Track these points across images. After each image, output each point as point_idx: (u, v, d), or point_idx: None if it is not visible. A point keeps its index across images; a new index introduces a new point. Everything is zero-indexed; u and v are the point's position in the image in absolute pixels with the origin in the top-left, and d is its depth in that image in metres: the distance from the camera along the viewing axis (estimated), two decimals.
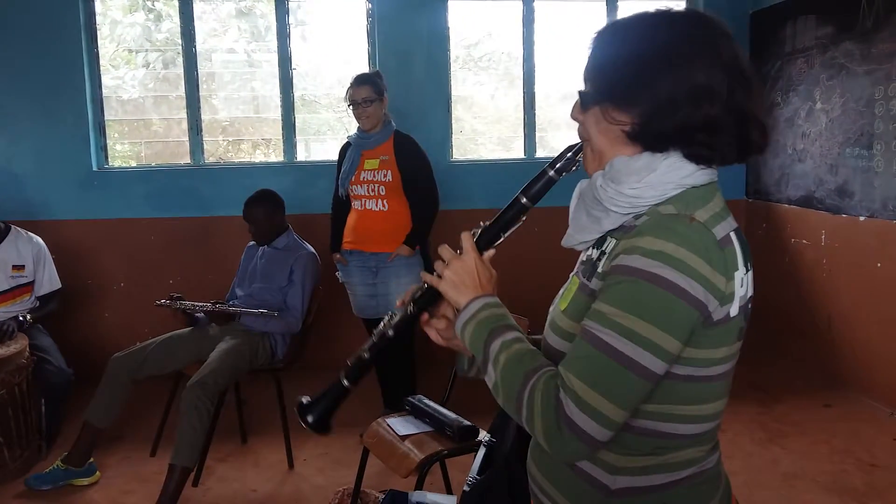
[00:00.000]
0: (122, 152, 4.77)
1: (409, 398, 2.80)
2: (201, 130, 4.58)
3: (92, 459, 3.22)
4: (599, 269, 1.09)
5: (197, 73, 4.52)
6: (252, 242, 3.60)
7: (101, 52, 4.50)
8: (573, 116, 1.16)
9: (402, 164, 3.52)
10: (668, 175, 1.06)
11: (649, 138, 1.07)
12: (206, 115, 4.60)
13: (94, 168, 4.45)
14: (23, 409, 3.21)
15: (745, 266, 1.07)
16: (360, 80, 3.51)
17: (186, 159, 4.61)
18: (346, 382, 1.29)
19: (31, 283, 3.61)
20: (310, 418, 1.29)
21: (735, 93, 1.05)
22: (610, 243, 1.11)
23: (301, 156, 4.72)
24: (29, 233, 3.66)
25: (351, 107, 3.54)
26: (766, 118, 1.11)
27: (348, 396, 1.29)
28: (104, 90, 4.52)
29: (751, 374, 4.27)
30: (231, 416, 3.62)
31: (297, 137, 4.69)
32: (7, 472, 3.17)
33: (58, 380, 3.39)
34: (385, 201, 3.53)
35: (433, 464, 2.47)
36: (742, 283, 1.06)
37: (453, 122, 4.78)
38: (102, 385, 3.19)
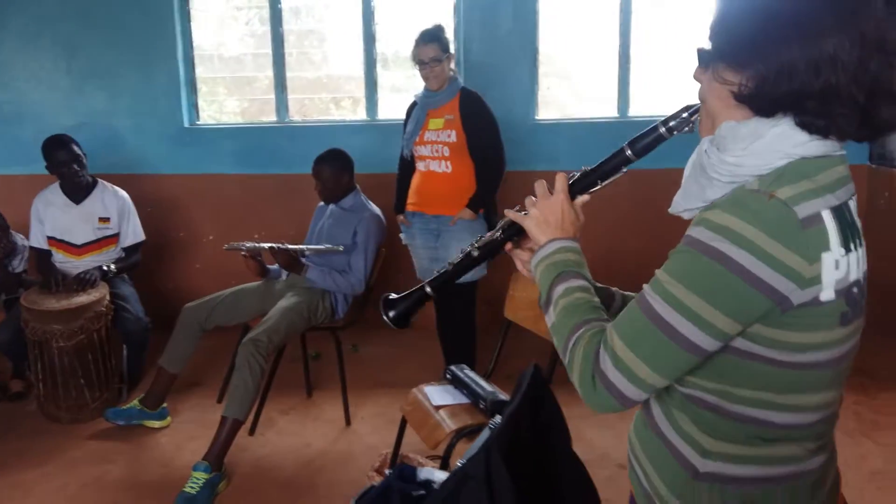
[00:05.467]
0: (213, 110, 4.92)
1: (451, 367, 2.74)
2: (286, 88, 4.62)
3: (165, 404, 3.41)
4: None
5: (282, 31, 4.56)
6: (322, 203, 3.62)
7: (192, 12, 4.60)
8: (695, 76, 1.11)
9: (466, 123, 3.39)
10: (776, 143, 0.99)
11: (758, 101, 1.00)
12: (290, 73, 4.64)
13: (186, 125, 4.62)
14: (102, 353, 3.43)
15: (845, 247, 0.98)
16: (425, 38, 3.38)
17: (273, 116, 4.69)
18: (428, 289, 1.38)
19: (116, 235, 3.81)
20: (391, 313, 1.39)
21: (868, 63, 0.96)
22: None
23: (384, 114, 4.66)
24: (115, 187, 3.85)
25: (418, 66, 3.43)
26: None
27: (428, 300, 1.40)
28: (200, 48, 4.65)
29: (857, 358, 3.85)
30: (300, 371, 3.72)
31: (380, 94, 4.64)
32: (88, 412, 3.42)
33: (135, 327, 3.58)
34: (448, 162, 3.42)
35: (462, 437, 2.41)
36: (837, 265, 0.97)
37: (540, 77, 4.56)
38: (175, 333, 3.35)
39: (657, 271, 1.03)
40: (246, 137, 4.63)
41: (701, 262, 0.97)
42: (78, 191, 3.73)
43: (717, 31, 1.05)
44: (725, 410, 1.05)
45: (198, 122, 4.72)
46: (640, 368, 0.99)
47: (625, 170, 1.24)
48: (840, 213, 0.99)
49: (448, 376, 2.72)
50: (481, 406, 2.49)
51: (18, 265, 3.77)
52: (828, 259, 0.96)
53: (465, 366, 2.76)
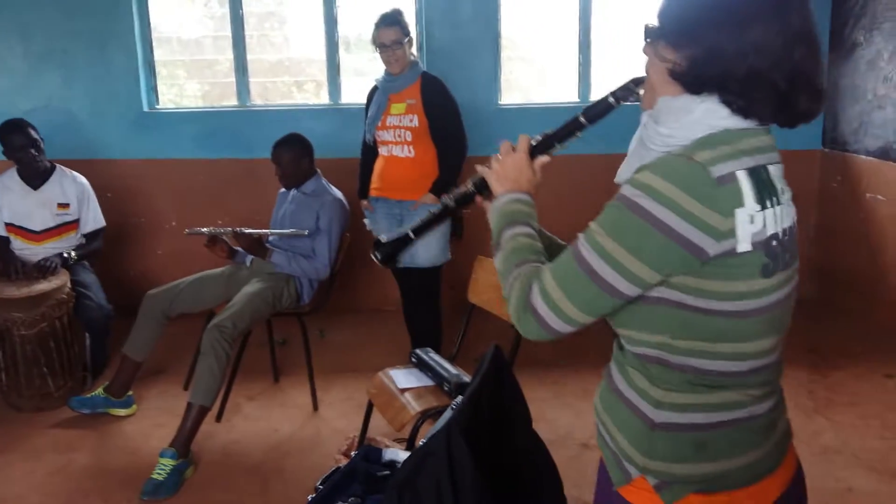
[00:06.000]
0: (174, 93, 4.84)
1: (416, 350, 2.78)
2: (247, 71, 4.58)
3: (131, 392, 3.39)
4: None
5: (242, 12, 4.50)
6: (283, 189, 3.60)
7: None
8: (643, 50, 1.20)
9: (428, 108, 3.41)
10: (704, 118, 1.09)
11: (688, 79, 1.11)
12: (251, 55, 4.59)
13: (146, 109, 4.55)
14: (64, 341, 3.39)
15: (761, 204, 1.07)
16: (385, 21, 3.37)
17: (234, 100, 4.64)
18: (410, 234, 1.51)
19: (76, 221, 3.75)
20: (378, 254, 1.54)
21: (792, 52, 1.06)
22: None
23: (347, 98, 4.64)
24: (73, 172, 3.79)
25: (378, 50, 3.43)
26: (822, 85, 1.11)
27: (412, 244, 1.53)
28: (158, 31, 4.57)
29: (808, 337, 4.01)
30: (267, 357, 3.73)
31: (343, 78, 4.61)
32: (52, 400, 3.38)
33: (97, 315, 3.55)
34: (411, 147, 3.44)
35: (427, 419, 2.45)
36: (752, 220, 1.06)
37: (502, 62, 4.58)
38: (138, 320, 3.32)
39: (590, 223, 1.13)
40: (207, 121, 4.58)
41: (625, 215, 1.07)
42: (36, 176, 3.67)
43: (663, 11, 1.15)
44: (669, 362, 1.13)
45: (157, 106, 4.65)
46: (566, 305, 1.11)
47: (579, 134, 1.37)
48: (756, 173, 1.07)
49: (413, 360, 2.76)
50: (446, 388, 2.54)
51: None
52: (742, 214, 1.05)
53: (430, 349, 2.81)
